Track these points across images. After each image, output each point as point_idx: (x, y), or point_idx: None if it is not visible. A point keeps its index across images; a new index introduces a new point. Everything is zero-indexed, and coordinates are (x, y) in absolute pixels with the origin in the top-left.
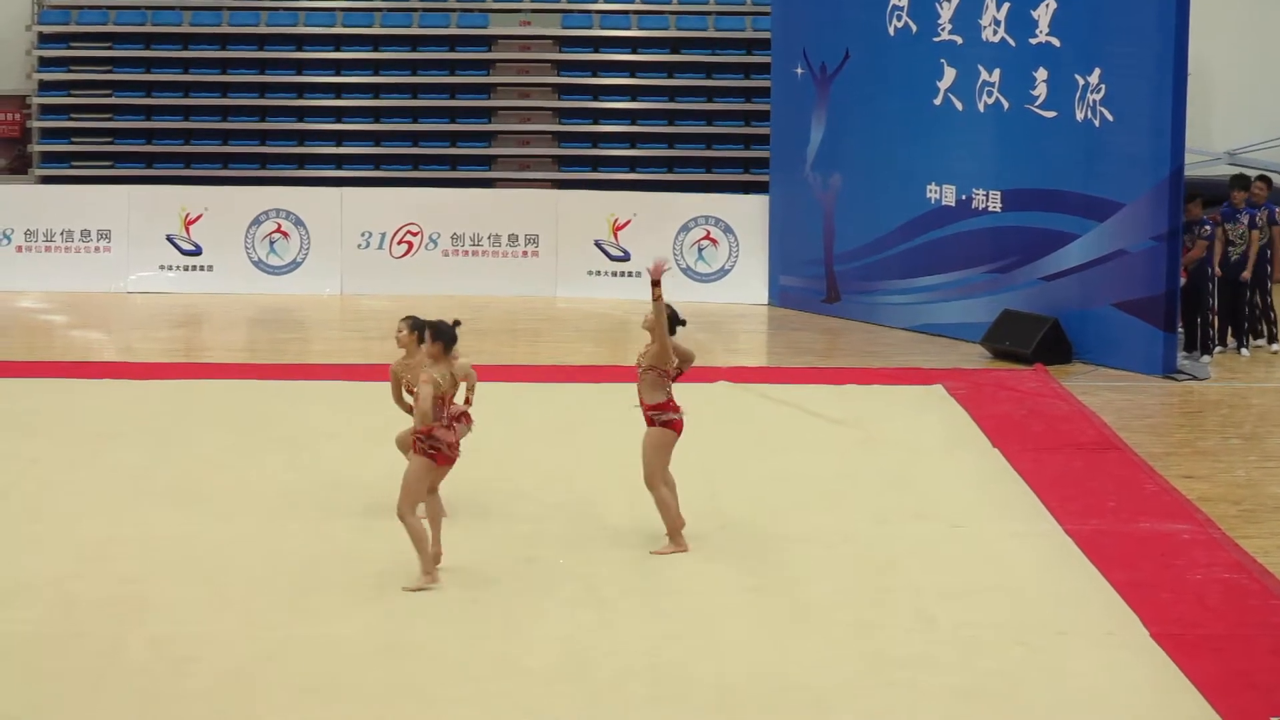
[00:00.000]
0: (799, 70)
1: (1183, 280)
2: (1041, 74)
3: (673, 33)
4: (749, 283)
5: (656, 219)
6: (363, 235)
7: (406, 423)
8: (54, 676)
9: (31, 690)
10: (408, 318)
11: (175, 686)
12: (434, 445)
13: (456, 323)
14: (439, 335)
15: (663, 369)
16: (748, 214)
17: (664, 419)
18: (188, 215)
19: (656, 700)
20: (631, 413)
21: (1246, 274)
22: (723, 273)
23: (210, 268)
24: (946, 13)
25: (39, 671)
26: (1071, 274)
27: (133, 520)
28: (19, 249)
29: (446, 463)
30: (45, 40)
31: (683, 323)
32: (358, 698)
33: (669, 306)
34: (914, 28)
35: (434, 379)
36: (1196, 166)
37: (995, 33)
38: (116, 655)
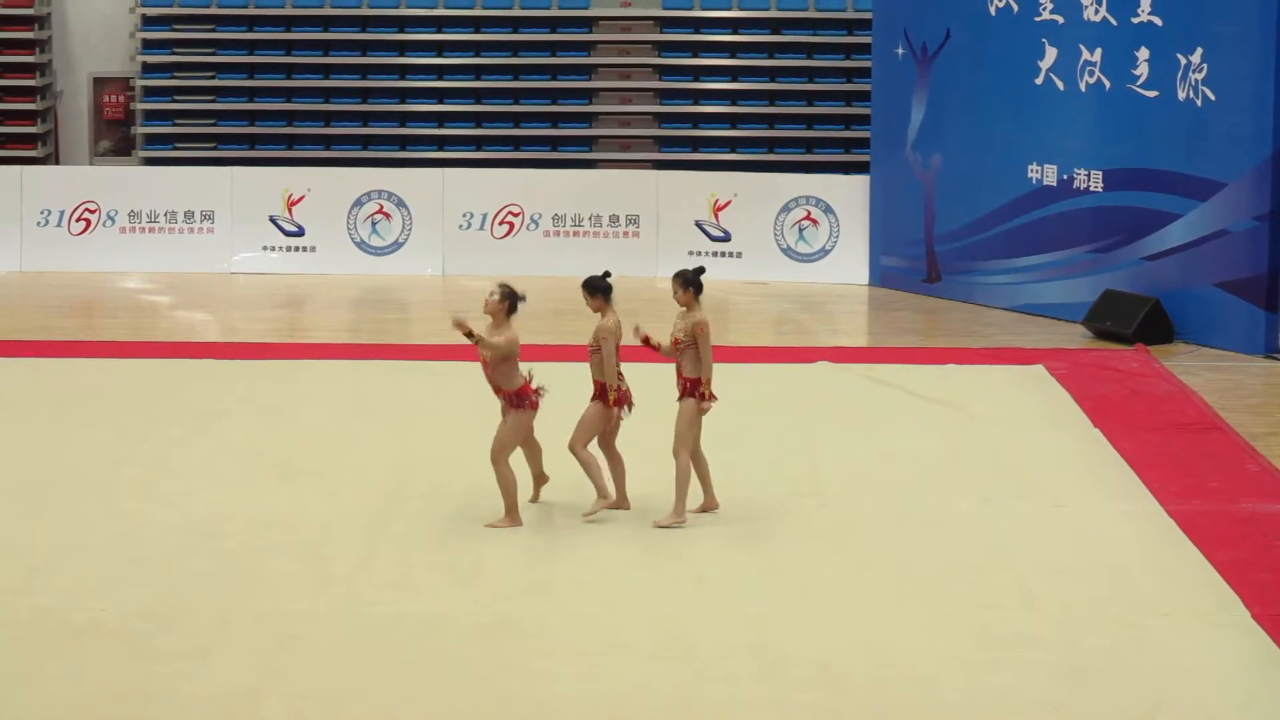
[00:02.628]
0: (900, 50)
1: None
2: (1143, 53)
3: (773, 13)
4: (850, 263)
5: (757, 199)
6: (464, 216)
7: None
8: (161, 652)
9: (140, 665)
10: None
11: (280, 662)
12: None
13: (606, 273)
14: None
15: None
16: (848, 194)
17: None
18: (290, 196)
19: (760, 678)
20: (731, 391)
21: None
22: (823, 253)
23: (313, 248)
24: None
25: (146, 647)
26: (1173, 254)
27: (239, 497)
28: (123, 230)
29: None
30: (149, 23)
31: (701, 270)
32: (461, 675)
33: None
34: (1015, 7)
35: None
36: None
37: (1097, 12)
38: (222, 631)
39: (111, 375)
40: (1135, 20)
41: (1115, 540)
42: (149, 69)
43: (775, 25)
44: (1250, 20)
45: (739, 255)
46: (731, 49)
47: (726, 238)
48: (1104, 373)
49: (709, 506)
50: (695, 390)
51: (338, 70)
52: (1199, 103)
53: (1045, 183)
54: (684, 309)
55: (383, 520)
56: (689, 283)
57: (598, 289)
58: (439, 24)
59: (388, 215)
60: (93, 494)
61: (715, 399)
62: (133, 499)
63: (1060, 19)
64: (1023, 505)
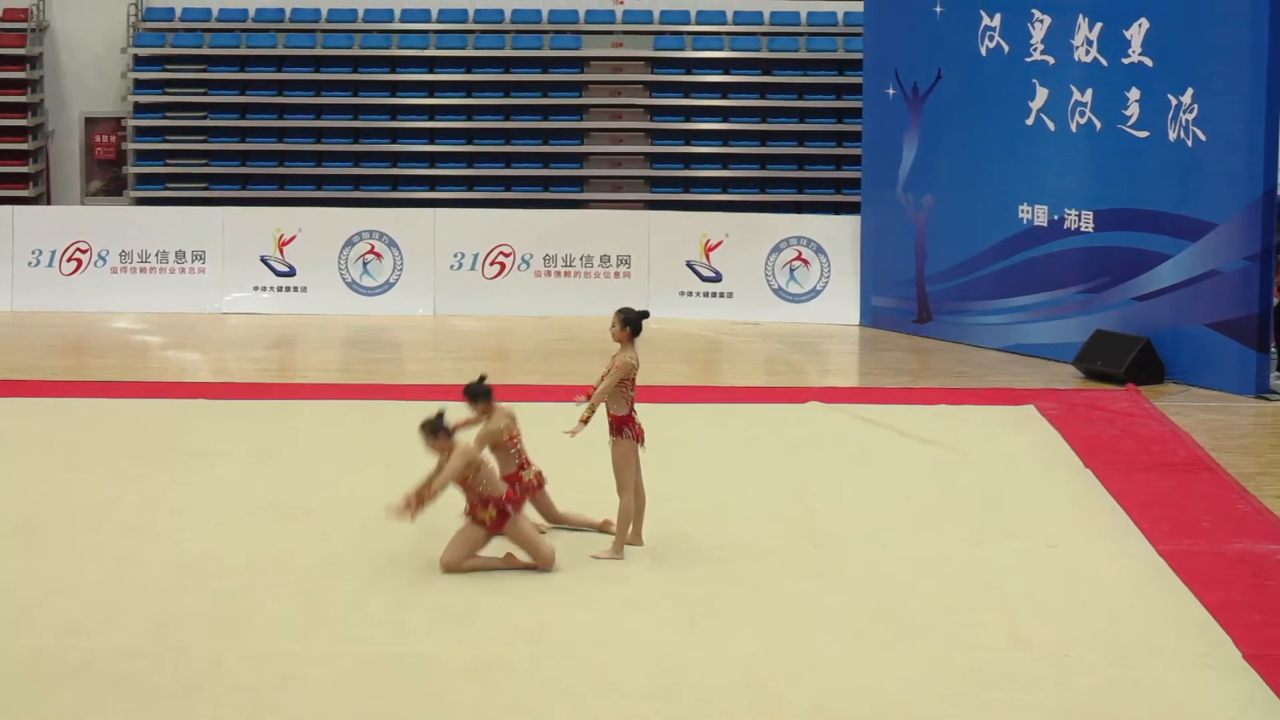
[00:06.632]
0: (891, 91)
1: (1276, 300)
2: (1134, 94)
3: (765, 54)
4: (841, 303)
5: (748, 240)
6: (455, 256)
7: None
8: (152, 692)
9: (132, 706)
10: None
11: (272, 702)
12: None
13: (482, 377)
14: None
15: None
16: (839, 234)
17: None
18: (282, 236)
19: (753, 718)
20: (722, 431)
21: None
22: (814, 293)
23: (304, 289)
24: (1039, 33)
25: (138, 687)
26: (1164, 294)
27: (231, 537)
28: (114, 270)
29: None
30: (141, 63)
31: (645, 315)
32: (454, 716)
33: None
34: (1006, 48)
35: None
36: None
37: (1088, 53)
38: (214, 671)
39: (103, 415)
40: (1126, 61)
41: (1107, 581)
42: (141, 109)
43: (766, 66)
44: (1241, 61)
45: (730, 295)
46: (723, 89)
47: (718, 278)
48: (1095, 413)
49: (636, 541)
50: (621, 429)
51: (329, 110)
52: (1190, 143)
53: (1036, 223)
54: (619, 345)
55: (375, 560)
56: (627, 321)
57: (479, 395)
58: (431, 64)
59: (379, 255)
60: (85, 533)
61: (576, 431)
62: (125, 538)
63: (1051, 60)
64: (1014, 545)
